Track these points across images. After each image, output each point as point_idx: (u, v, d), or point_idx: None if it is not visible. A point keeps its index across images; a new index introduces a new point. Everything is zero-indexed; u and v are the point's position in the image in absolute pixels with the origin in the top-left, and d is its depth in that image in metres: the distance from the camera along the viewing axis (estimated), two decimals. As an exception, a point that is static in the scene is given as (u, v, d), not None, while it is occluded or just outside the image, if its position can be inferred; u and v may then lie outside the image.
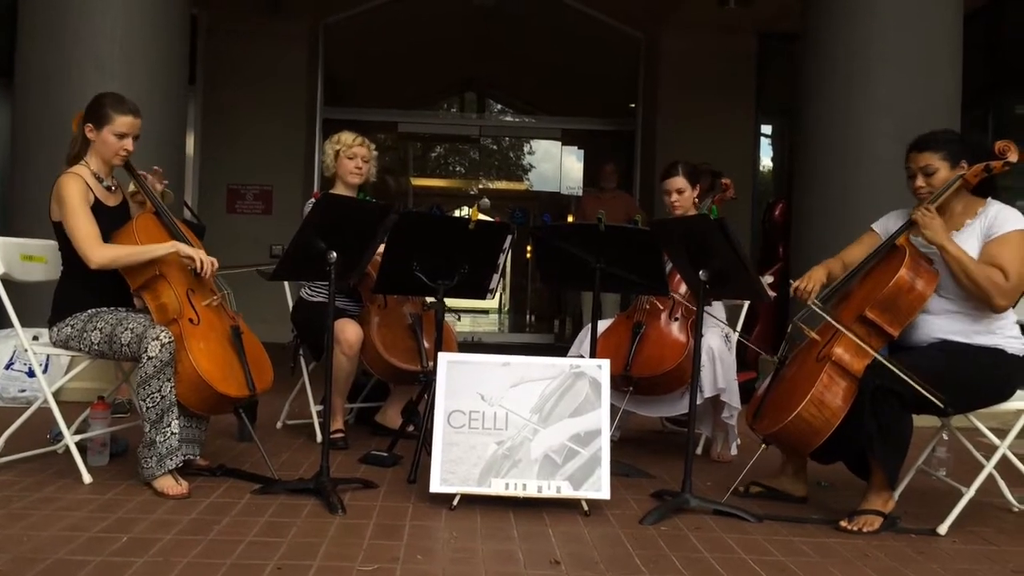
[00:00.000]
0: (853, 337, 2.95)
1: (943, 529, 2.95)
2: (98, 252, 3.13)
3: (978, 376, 2.97)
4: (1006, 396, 3.03)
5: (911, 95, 5.38)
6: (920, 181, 3.07)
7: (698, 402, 3.43)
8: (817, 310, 3.08)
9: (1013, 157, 2.96)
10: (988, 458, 3.10)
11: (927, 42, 5.51)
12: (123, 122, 3.25)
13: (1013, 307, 3.03)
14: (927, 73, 5.46)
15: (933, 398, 2.78)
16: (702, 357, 3.37)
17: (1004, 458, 3.08)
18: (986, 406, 3.03)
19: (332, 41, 9.74)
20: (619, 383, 3.76)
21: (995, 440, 3.07)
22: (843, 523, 2.95)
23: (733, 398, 3.84)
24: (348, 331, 3.93)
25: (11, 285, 3.34)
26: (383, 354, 3.98)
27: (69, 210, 3.14)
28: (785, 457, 3.34)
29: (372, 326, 4.03)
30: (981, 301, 2.94)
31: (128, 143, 3.28)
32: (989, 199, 3.07)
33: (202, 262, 3.20)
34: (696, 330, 3.18)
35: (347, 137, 4.17)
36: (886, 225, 3.25)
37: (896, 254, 3.03)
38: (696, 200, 4.11)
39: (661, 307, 3.96)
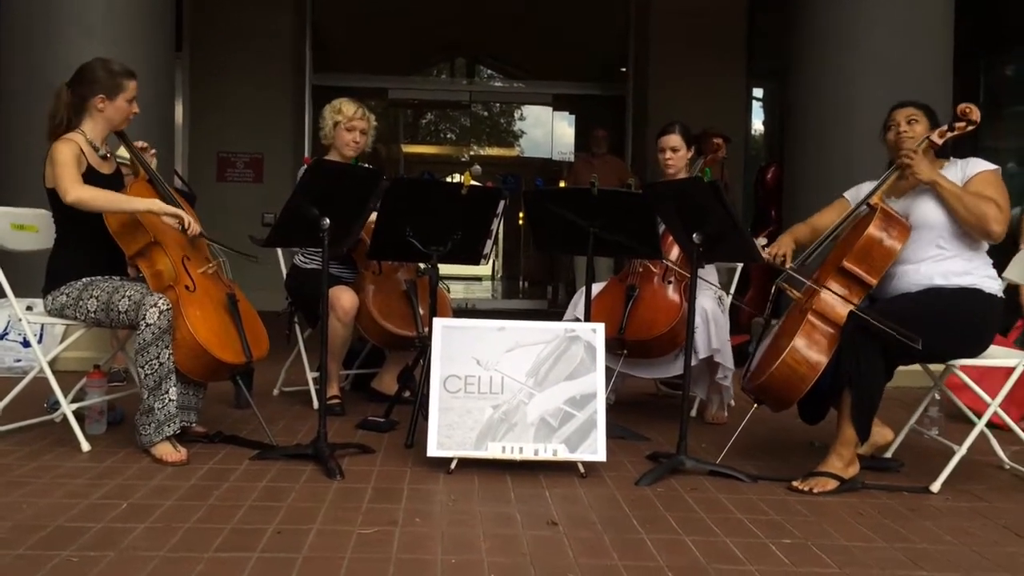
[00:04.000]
0: (832, 293, 3.01)
1: (936, 487, 2.99)
2: (75, 188, 3.08)
3: (954, 316, 3.00)
4: (985, 337, 3.06)
5: (903, 57, 5.35)
6: (904, 126, 3.18)
7: (692, 363, 3.44)
8: (795, 275, 3.17)
9: (975, 117, 3.13)
10: (979, 416, 3.13)
11: (919, 2, 5.48)
12: (133, 86, 3.30)
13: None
14: (920, 34, 5.43)
15: (909, 341, 2.80)
16: (695, 318, 3.38)
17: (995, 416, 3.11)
18: (968, 351, 3.04)
19: (320, 5, 9.62)
20: (612, 346, 3.77)
21: (987, 398, 3.10)
22: (796, 483, 2.97)
23: (727, 359, 3.86)
24: (343, 298, 3.93)
25: (3, 255, 3.33)
26: (379, 320, 3.98)
27: (59, 163, 3.10)
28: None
29: (367, 292, 4.03)
30: (977, 231, 2.99)
31: (135, 106, 3.32)
32: (951, 158, 3.18)
33: (189, 222, 3.17)
34: (690, 293, 3.19)
35: (348, 108, 4.07)
36: (856, 194, 3.34)
37: (868, 212, 3.13)
38: (689, 162, 4.13)
39: (654, 270, 3.96)
